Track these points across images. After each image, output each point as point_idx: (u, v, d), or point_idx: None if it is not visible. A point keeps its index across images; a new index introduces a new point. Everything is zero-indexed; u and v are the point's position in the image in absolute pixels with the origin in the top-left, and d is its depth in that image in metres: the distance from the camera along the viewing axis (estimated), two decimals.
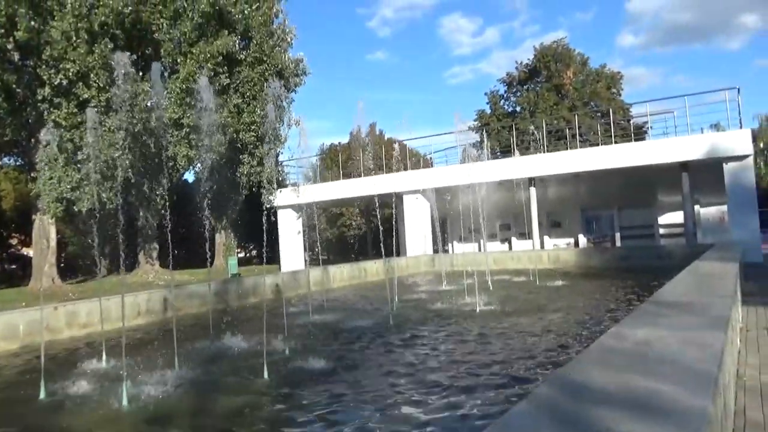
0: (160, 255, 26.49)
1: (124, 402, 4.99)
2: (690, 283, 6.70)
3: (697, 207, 25.96)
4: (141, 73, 21.86)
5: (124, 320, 8.00)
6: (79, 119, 20.56)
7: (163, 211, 22.74)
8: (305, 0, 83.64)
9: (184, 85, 22.10)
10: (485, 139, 28.29)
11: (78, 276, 29.38)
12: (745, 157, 18.08)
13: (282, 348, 7.11)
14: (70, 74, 19.81)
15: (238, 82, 24.75)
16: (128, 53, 20.98)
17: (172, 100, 22.01)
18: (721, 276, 7.12)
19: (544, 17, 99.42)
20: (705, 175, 19.84)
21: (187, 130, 22.37)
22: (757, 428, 3.79)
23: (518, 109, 42.01)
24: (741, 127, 18.70)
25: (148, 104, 21.04)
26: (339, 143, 45.92)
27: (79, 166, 20.80)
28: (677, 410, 1.99)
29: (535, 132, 23.98)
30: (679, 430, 1.83)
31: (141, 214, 24.80)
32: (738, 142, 18.01)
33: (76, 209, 21.05)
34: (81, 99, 20.42)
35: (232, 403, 5.04)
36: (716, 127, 26.31)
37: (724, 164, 18.25)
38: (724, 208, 20.77)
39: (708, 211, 27.86)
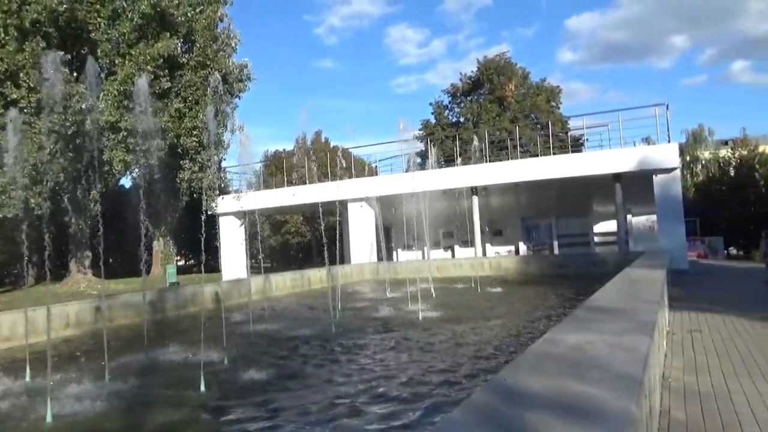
0: (93, 263, 25.31)
1: (48, 419, 4.71)
2: (620, 289, 6.97)
3: (629, 216, 27.18)
4: (76, 74, 20.93)
5: (50, 332, 7.56)
6: (6, 120, 19.46)
7: (96, 218, 21.77)
8: (251, 5, 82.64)
9: (122, 88, 21.31)
10: (430, 149, 28.66)
11: (3, 286, 27.66)
12: (673, 169, 19.10)
13: (220, 359, 6.92)
14: None
15: (179, 86, 24.09)
16: (62, 53, 20.16)
17: (109, 102, 21.19)
18: (650, 282, 7.44)
19: (488, 31, 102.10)
20: (636, 186, 20.80)
21: (125, 133, 21.56)
22: (681, 427, 3.98)
23: (462, 119, 42.85)
24: (669, 142, 19.75)
25: (83, 106, 20.15)
26: (284, 150, 45.45)
27: (4, 170, 19.65)
28: (604, 413, 2.05)
29: (477, 143, 24.49)
30: (605, 431, 1.89)
31: (73, 220, 23.65)
32: (666, 155, 19.00)
33: (0, 215, 19.85)
34: (9, 99, 19.34)
35: (165, 417, 4.84)
36: (647, 140, 27.70)
37: (653, 176, 19.21)
38: (654, 217, 21.84)
39: (639, 220, 29.23)
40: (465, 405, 2.23)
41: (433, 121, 44.25)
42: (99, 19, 21.45)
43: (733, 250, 37.80)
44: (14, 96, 19.25)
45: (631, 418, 2.03)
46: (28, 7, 19.16)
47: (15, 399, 5.53)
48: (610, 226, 25.59)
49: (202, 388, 5.58)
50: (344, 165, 24.47)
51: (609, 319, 4.38)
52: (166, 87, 22.93)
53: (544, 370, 2.81)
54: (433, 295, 13.06)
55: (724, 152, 46.88)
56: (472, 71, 43.36)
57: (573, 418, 2.00)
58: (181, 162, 24.55)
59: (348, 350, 7.44)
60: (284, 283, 16.04)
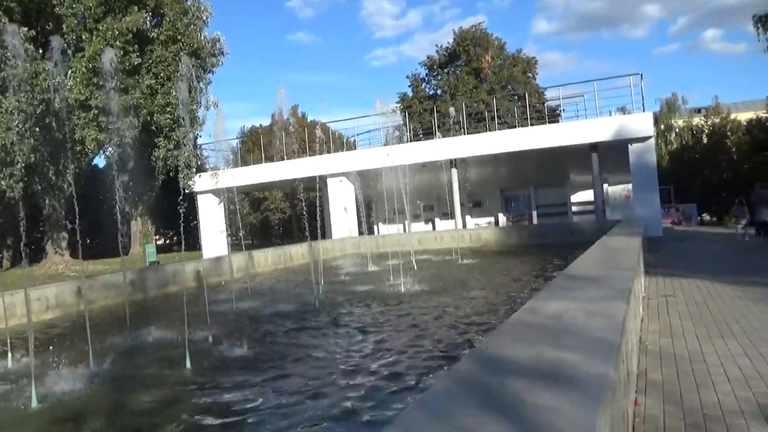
0: (70, 245, 24.94)
1: (34, 403, 4.69)
2: (598, 257, 7.11)
3: (606, 186, 27.56)
4: (41, 51, 20.28)
5: (30, 315, 7.48)
6: None
7: (71, 199, 21.37)
8: None
9: (90, 64, 20.73)
10: (407, 122, 28.57)
11: None
12: (648, 138, 19.35)
13: (204, 337, 6.93)
14: None
15: (150, 61, 23.53)
16: (25, 29, 19.47)
17: (78, 80, 20.63)
18: (626, 250, 7.60)
19: (464, 1, 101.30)
20: (612, 155, 21.06)
21: (96, 112, 21.05)
22: (657, 387, 4.13)
23: (439, 92, 42.69)
24: (644, 111, 19.96)
25: (50, 84, 19.56)
26: (260, 126, 44.88)
27: None
28: (584, 378, 2.12)
29: (455, 115, 24.45)
30: (584, 395, 1.96)
31: (47, 201, 23.19)
32: (641, 124, 19.22)
33: None
34: None
35: (151, 397, 4.84)
36: (623, 110, 27.93)
37: (629, 145, 19.44)
38: (630, 186, 22.17)
39: (615, 190, 29.67)
40: (448, 374, 2.28)
41: (411, 94, 44.00)
42: None
43: (706, 217, 38.69)
44: None
45: (609, 382, 2.10)
46: None
47: None
48: (587, 195, 25.93)
49: (188, 365, 5.60)
50: (323, 140, 24.26)
51: (587, 287, 4.48)
52: (136, 63, 22.40)
53: (525, 338, 2.88)
54: (415, 268, 13.17)
55: (697, 120, 47.58)
56: (448, 43, 43.10)
57: (553, 384, 2.07)
58: (155, 140, 24.13)
59: (331, 325, 7.51)
60: (266, 259, 16.01)
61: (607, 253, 7.68)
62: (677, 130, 50.56)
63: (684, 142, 47.14)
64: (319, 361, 5.67)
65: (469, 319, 7.13)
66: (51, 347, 6.72)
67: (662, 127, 49.73)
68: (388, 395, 4.40)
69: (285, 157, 26.97)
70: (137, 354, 6.50)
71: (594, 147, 20.25)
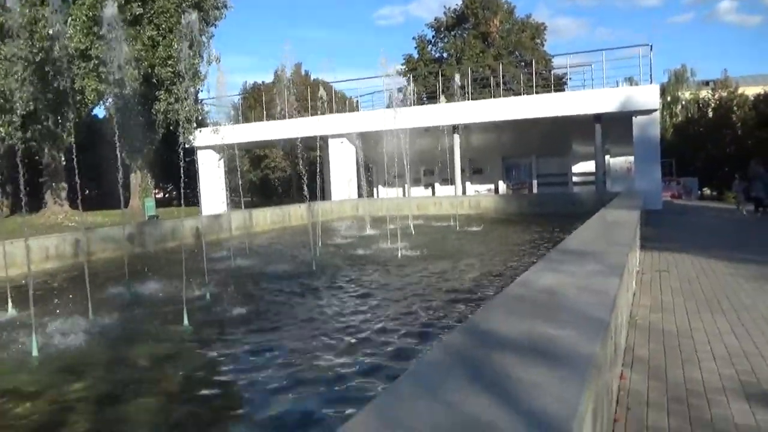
0: (69, 195, 24.95)
1: (34, 353, 4.80)
2: (595, 231, 7.15)
3: (608, 157, 27.44)
4: None
5: (30, 265, 7.56)
6: None
7: (70, 148, 21.26)
8: None
9: (90, 13, 20.29)
10: (411, 85, 28.20)
11: None
12: (653, 111, 19.18)
13: (202, 294, 7.03)
14: None
15: (152, 12, 23.03)
16: None
17: (78, 28, 20.23)
18: (623, 224, 7.64)
19: None
20: (616, 127, 20.91)
21: (96, 62, 20.72)
22: (642, 362, 4.23)
23: (445, 55, 41.99)
24: (651, 83, 19.72)
25: (50, 32, 19.18)
26: (263, 82, 44.34)
27: None
28: (570, 354, 2.17)
29: (459, 81, 24.12)
30: (570, 372, 2.01)
31: (46, 150, 23.08)
32: (647, 97, 19.02)
33: None
34: None
35: (150, 351, 4.96)
36: (630, 80, 27.58)
37: (633, 117, 19.29)
38: (632, 158, 22.09)
39: (617, 161, 29.55)
40: (439, 346, 2.34)
41: (416, 56, 43.29)
42: None
43: (707, 191, 38.67)
44: None
45: (595, 359, 2.16)
46: None
47: None
48: (588, 166, 25.84)
49: (185, 322, 5.70)
50: (325, 100, 24.01)
51: (581, 261, 4.52)
52: (137, 13, 21.93)
53: (517, 312, 2.93)
54: (413, 233, 13.25)
55: (705, 93, 46.97)
56: (456, 4, 42.13)
57: (541, 360, 2.12)
58: (156, 93, 23.84)
59: (327, 287, 7.61)
60: (265, 218, 16.08)
61: (605, 227, 7.71)
62: (683, 102, 49.97)
63: (689, 115, 46.65)
64: (312, 322, 5.77)
65: (462, 287, 7.22)
66: (51, 298, 6.82)
67: (669, 98, 49.13)
68: (377, 360, 4.49)
69: (286, 116, 26.73)
70: (136, 308, 6.61)
71: (598, 118, 20.08)
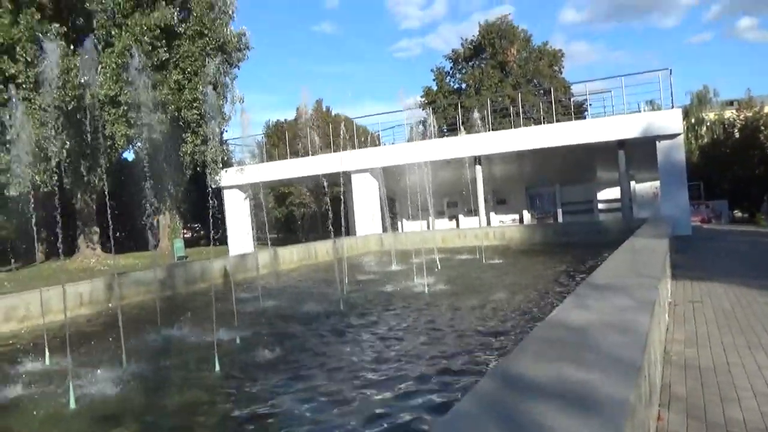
0: (101, 238, 25.58)
1: (72, 404, 4.87)
2: (623, 262, 7.07)
3: (633, 183, 27.14)
4: (72, 47, 20.74)
5: (66, 313, 7.75)
6: (5, 96, 19.40)
7: (102, 193, 21.90)
8: None
9: (119, 60, 21.13)
10: (431, 117, 28.50)
11: (13, 263, 28.03)
12: (676, 135, 19.01)
13: (232, 337, 7.10)
14: None
15: (177, 57, 23.89)
16: (57, 24, 19.94)
17: (108, 75, 21.05)
18: (652, 254, 7.53)
19: None
20: (640, 152, 20.74)
21: (125, 107, 21.48)
22: (680, 401, 4.12)
23: (464, 86, 42.41)
24: (673, 107, 19.60)
25: (82, 80, 20.02)
26: (285, 120, 45.24)
27: (8, 147, 19.69)
28: (602, 401, 2.16)
29: (479, 113, 24.30)
30: (604, 420, 2.00)
31: (79, 196, 23.80)
32: (669, 121, 18.88)
33: (7, 193, 20.00)
34: (7, 74, 19.22)
35: (183, 399, 5.01)
36: (651, 103, 27.44)
37: (657, 142, 19.13)
38: (658, 183, 21.82)
39: (643, 187, 29.20)
40: (470, 395, 2.34)
41: (435, 87, 43.83)
42: None
43: (738, 214, 37.76)
44: (11, 71, 19.12)
45: (628, 407, 2.14)
46: None
47: (36, 383, 5.69)
48: (613, 192, 25.59)
49: (217, 368, 5.76)
50: (347, 136, 24.38)
51: (611, 296, 4.48)
52: (164, 58, 22.76)
53: (547, 355, 2.92)
54: (439, 267, 13.21)
55: (729, 114, 46.34)
56: (473, 35, 42.73)
57: (573, 406, 2.12)
58: (183, 135, 24.52)
59: (357, 327, 7.61)
60: (291, 256, 16.22)
61: (633, 257, 7.62)
62: (708, 123, 49.33)
63: (715, 137, 45.96)
64: (344, 366, 5.74)
65: (492, 324, 7.15)
66: (86, 345, 6.96)
67: (692, 120, 48.59)
68: (410, 409, 4.45)
69: (310, 153, 27.17)
70: (168, 354, 6.70)
71: (621, 144, 19.97)
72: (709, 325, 6.44)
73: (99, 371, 5.73)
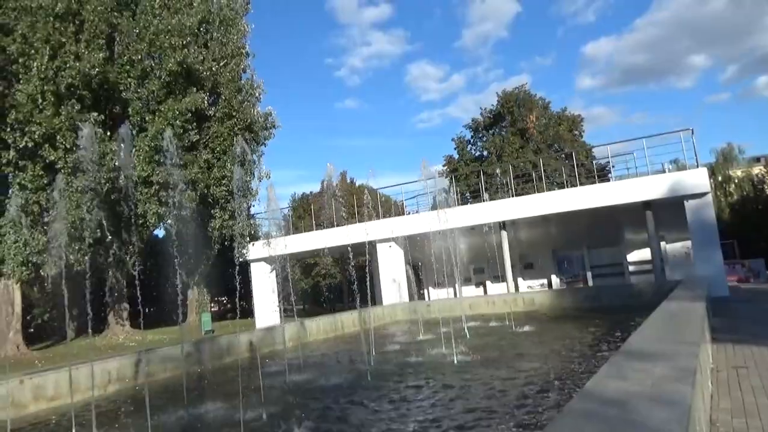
0: (130, 314, 25.83)
1: None
2: (659, 327, 6.83)
3: (663, 243, 26.62)
4: (108, 133, 21.82)
5: (93, 391, 7.75)
6: (45, 181, 20.31)
7: (133, 270, 22.32)
8: (274, 53, 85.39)
9: (152, 143, 22.09)
10: (453, 186, 28.82)
11: (45, 341, 28.35)
12: (704, 194, 18.77)
13: (258, 414, 6.96)
14: (36, 137, 19.63)
15: (207, 137, 24.91)
16: (95, 113, 21.11)
17: (141, 158, 21.96)
18: (689, 317, 7.29)
19: (506, 62, 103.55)
20: (668, 212, 20.47)
21: (157, 187, 22.25)
22: None
23: (485, 153, 43.04)
24: (698, 166, 19.48)
25: (116, 163, 20.92)
26: (311, 192, 46.22)
27: (45, 228, 20.42)
28: None
29: (501, 176, 24.51)
30: None
31: (110, 274, 24.28)
32: (696, 180, 18.71)
33: (43, 273, 20.53)
34: (47, 161, 20.20)
35: None
36: (675, 162, 27.33)
37: (685, 202, 18.89)
38: (689, 243, 21.37)
39: (674, 247, 28.58)
40: None
41: (456, 156, 44.53)
42: (129, 79, 22.43)
43: None
44: (51, 158, 20.06)
45: None
46: (63, 72, 20.11)
47: None
48: (644, 254, 25.09)
49: None
50: (371, 207, 24.67)
51: (648, 364, 4.31)
52: (194, 140, 23.72)
53: None
54: (467, 336, 12.93)
55: (758, 170, 45.84)
56: (492, 105, 43.79)
57: None
58: (212, 211, 25.15)
59: (386, 401, 7.40)
60: (318, 328, 16.09)
61: (669, 322, 7.36)
62: (736, 181, 48.78)
63: (744, 194, 45.31)
64: None
65: (527, 397, 6.89)
66: (113, 425, 6.88)
67: (719, 178, 48.12)
68: None
69: (335, 224, 27.48)
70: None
71: (648, 205, 19.78)
72: (756, 392, 6.10)
73: None
